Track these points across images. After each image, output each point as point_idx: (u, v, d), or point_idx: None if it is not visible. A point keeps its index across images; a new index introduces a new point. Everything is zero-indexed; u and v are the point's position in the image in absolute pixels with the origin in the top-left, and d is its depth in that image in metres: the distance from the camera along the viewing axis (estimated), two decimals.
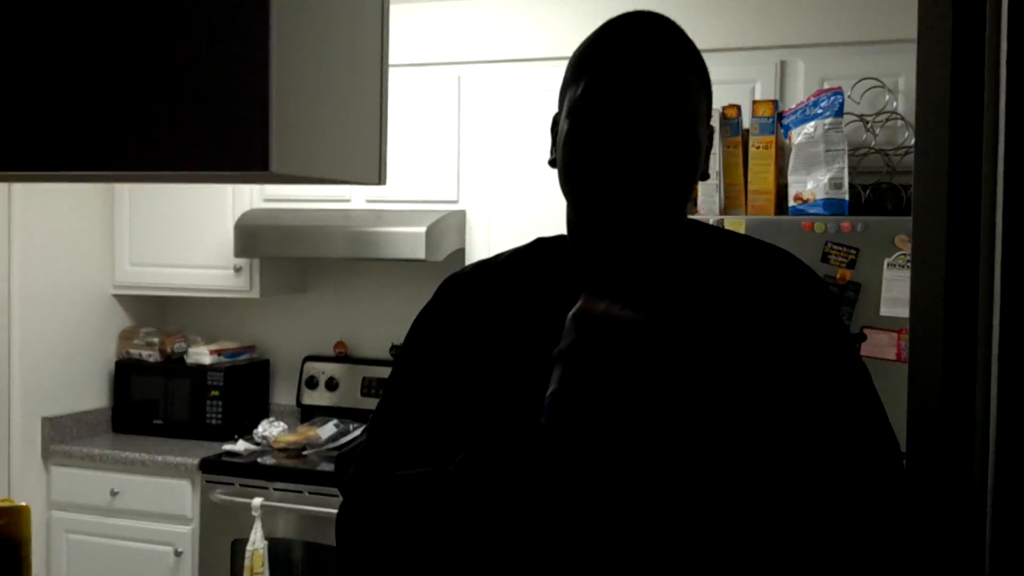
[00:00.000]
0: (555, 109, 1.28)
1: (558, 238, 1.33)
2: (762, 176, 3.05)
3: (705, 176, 1.25)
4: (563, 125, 1.22)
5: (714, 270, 1.27)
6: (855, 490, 1.23)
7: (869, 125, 3.17)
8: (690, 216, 1.35)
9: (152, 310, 4.35)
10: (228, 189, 3.91)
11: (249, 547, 3.43)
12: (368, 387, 4.03)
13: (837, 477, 1.23)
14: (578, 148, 1.19)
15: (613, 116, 1.16)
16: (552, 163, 1.26)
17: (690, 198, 1.24)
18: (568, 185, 1.22)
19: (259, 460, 3.67)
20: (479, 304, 1.30)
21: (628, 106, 1.15)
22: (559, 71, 1.28)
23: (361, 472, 1.29)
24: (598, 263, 1.25)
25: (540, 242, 1.35)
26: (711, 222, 2.58)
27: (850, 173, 2.97)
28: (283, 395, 4.29)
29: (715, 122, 3.06)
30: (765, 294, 1.25)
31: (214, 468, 3.63)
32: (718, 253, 1.29)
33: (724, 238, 1.33)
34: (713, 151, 3.02)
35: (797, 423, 1.22)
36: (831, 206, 2.94)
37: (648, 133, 1.15)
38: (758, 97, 3.27)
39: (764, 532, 1.20)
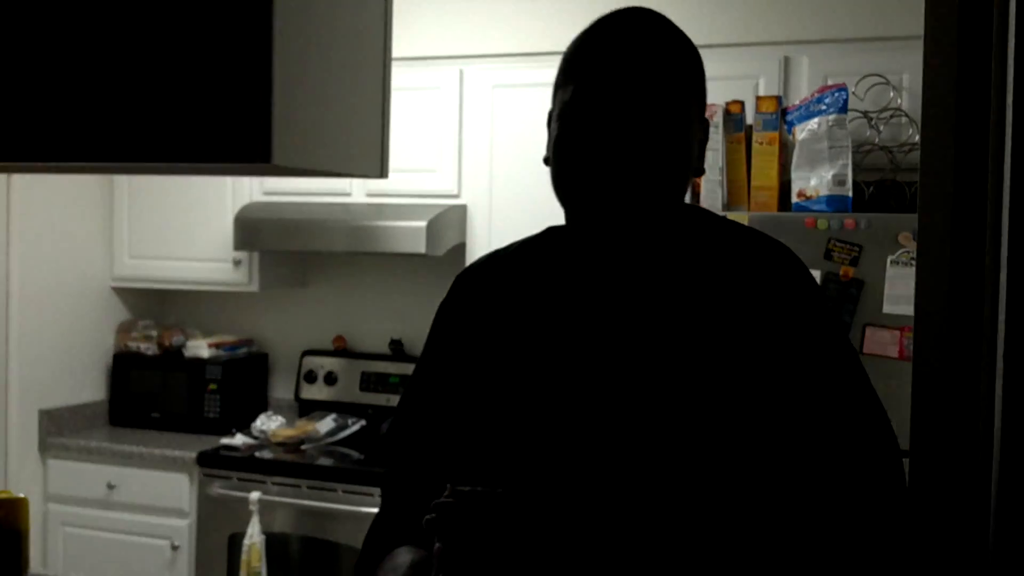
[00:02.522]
0: None
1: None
2: (765, 172, 3.05)
3: (700, 172, 1.27)
4: (553, 128, 1.24)
5: (704, 264, 1.27)
6: (852, 487, 1.22)
7: (873, 122, 3.16)
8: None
9: (151, 303, 4.34)
10: (228, 182, 3.90)
11: (246, 541, 3.43)
12: (367, 382, 4.02)
13: (833, 475, 1.22)
14: (566, 154, 1.22)
15: (600, 123, 1.18)
16: (546, 161, 1.27)
17: (682, 194, 1.26)
18: (558, 189, 1.26)
19: (257, 454, 3.66)
20: (492, 293, 1.34)
21: (615, 113, 1.17)
22: None
23: (390, 444, 1.44)
24: (590, 264, 1.28)
25: (552, 231, 1.37)
26: None
27: (854, 170, 2.96)
28: (281, 389, 4.28)
29: (719, 118, 3.06)
30: (752, 288, 1.25)
31: (212, 462, 3.63)
32: (710, 246, 1.29)
33: (721, 228, 1.33)
34: (716, 147, 3.05)
35: (790, 419, 1.21)
36: (834, 203, 2.93)
37: (634, 140, 1.17)
38: (762, 93, 3.26)
39: (761, 533, 1.20)
